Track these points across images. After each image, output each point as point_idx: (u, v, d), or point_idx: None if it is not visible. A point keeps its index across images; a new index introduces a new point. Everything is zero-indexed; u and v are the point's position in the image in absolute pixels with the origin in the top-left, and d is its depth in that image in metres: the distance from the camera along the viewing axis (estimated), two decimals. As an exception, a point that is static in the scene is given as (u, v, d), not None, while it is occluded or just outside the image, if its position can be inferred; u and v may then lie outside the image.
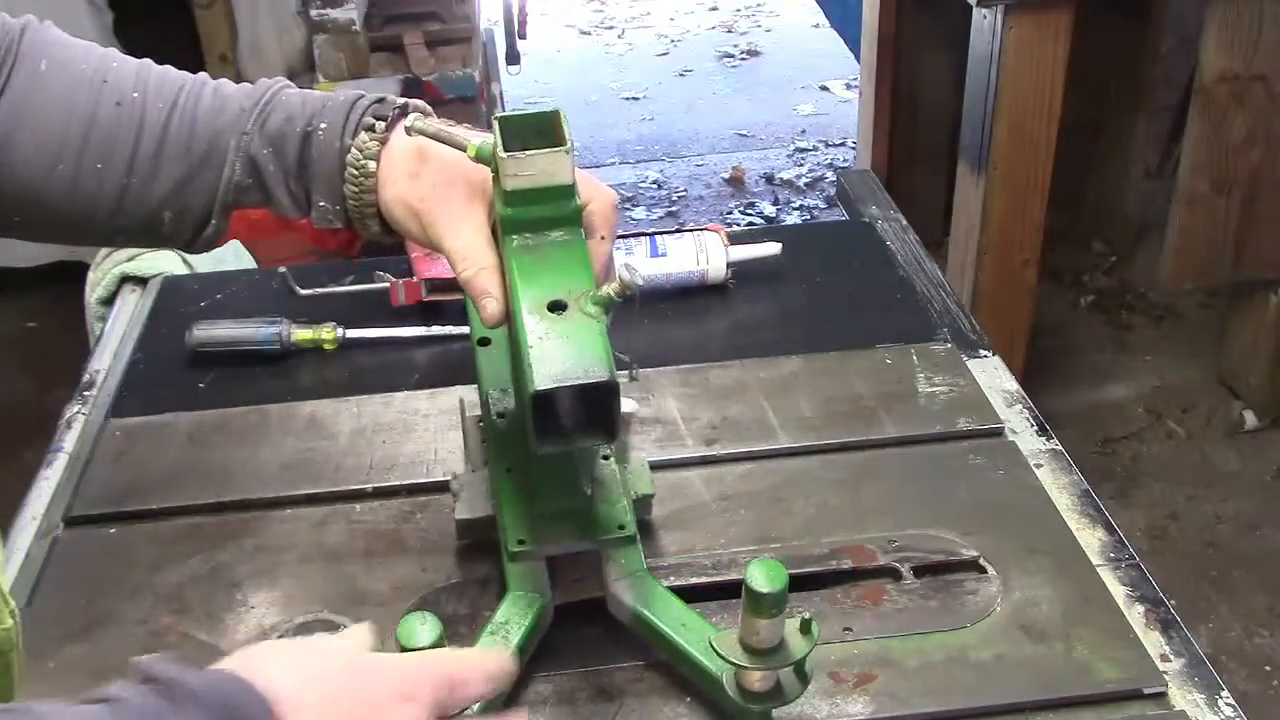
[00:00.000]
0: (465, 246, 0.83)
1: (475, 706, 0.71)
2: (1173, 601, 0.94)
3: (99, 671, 0.88)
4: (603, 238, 0.84)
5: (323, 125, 0.87)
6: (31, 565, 0.99)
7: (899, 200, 1.55)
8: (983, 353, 1.23)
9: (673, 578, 0.94)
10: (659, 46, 5.17)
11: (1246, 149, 2.45)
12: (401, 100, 0.90)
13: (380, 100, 0.90)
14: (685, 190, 3.96)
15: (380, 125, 0.87)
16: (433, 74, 2.49)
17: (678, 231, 1.34)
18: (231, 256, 1.56)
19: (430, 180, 0.86)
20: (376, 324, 1.27)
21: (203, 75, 0.91)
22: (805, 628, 0.76)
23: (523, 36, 3.42)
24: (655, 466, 0.96)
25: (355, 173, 0.87)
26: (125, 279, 1.42)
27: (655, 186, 3.99)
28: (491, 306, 0.81)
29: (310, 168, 0.88)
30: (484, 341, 1.04)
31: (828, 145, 4.23)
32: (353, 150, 0.86)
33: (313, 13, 2.50)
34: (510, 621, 0.84)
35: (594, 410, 0.76)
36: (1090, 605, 0.91)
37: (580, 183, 0.81)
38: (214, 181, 0.88)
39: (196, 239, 0.91)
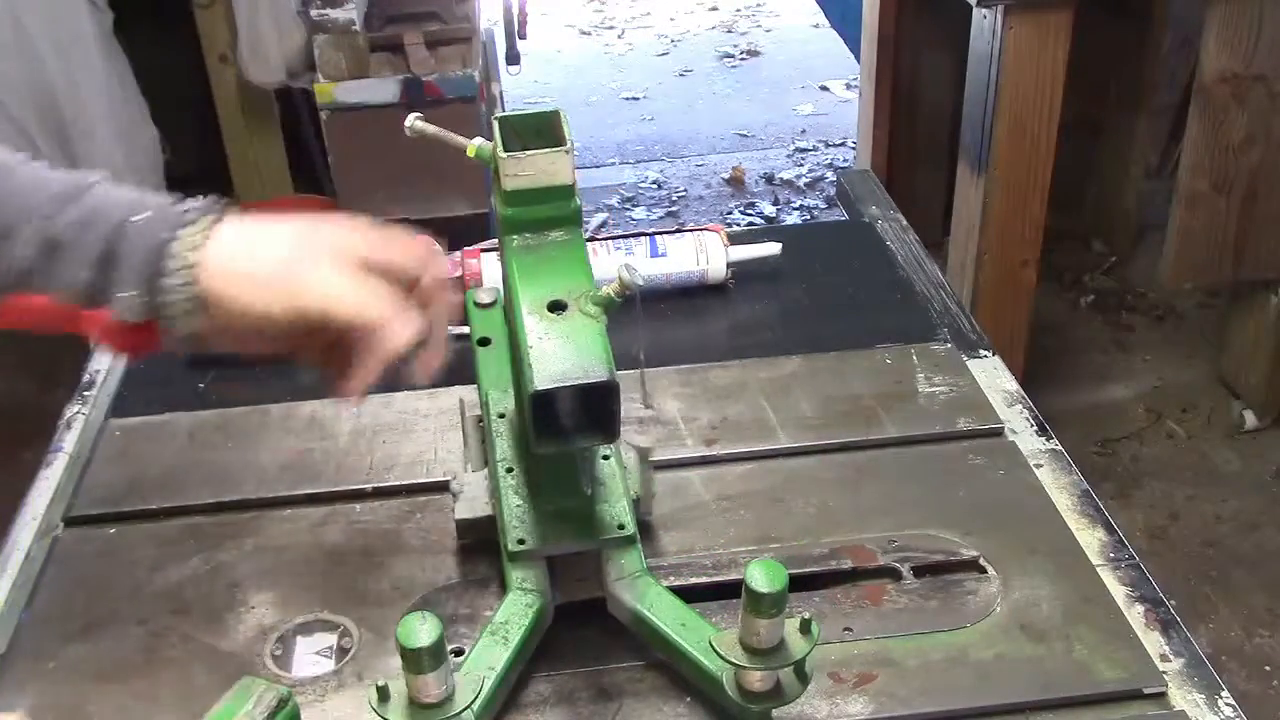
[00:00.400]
0: (342, 293, 0.81)
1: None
2: (1173, 601, 0.94)
3: (99, 671, 0.88)
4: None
5: (140, 217, 0.84)
6: (31, 565, 0.99)
7: (899, 200, 1.55)
8: (983, 353, 1.23)
9: (673, 578, 0.94)
10: (659, 46, 5.17)
11: (1246, 149, 2.45)
12: (219, 206, 0.87)
13: (195, 204, 0.86)
14: (685, 190, 3.96)
15: (204, 221, 0.84)
16: (433, 74, 2.49)
17: (678, 231, 1.34)
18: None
19: (269, 268, 0.83)
20: (376, 324, 1.27)
21: (23, 156, 0.88)
22: (805, 628, 0.76)
23: (523, 36, 3.41)
24: (655, 466, 0.96)
25: (177, 265, 0.82)
26: (125, 279, 1.42)
27: (655, 186, 3.99)
28: (403, 332, 0.81)
29: (119, 256, 0.83)
30: (484, 341, 1.04)
31: (828, 145, 4.23)
32: (177, 241, 0.82)
33: (313, 13, 2.50)
34: (510, 621, 0.84)
35: (594, 410, 0.76)
36: (1090, 605, 0.91)
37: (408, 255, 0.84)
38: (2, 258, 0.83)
39: None
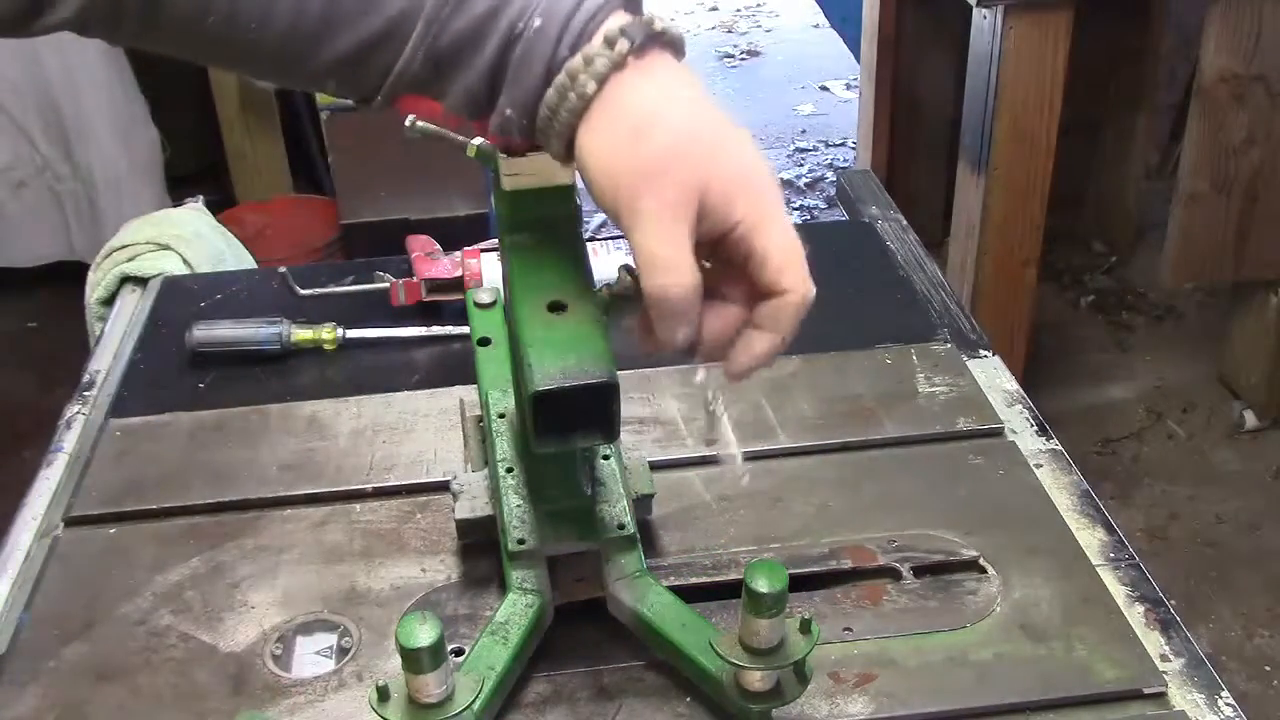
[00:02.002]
0: (671, 254, 0.69)
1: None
2: (1173, 601, 0.94)
3: (99, 671, 0.88)
4: (782, 339, 0.72)
5: (535, 24, 0.71)
6: (31, 565, 0.99)
7: (899, 200, 1.55)
8: (983, 353, 1.23)
9: (673, 578, 0.93)
10: (659, 46, 5.16)
11: (1246, 149, 2.45)
12: (660, 22, 0.70)
13: (626, 4, 0.72)
14: (685, 190, 3.96)
15: (624, 44, 0.69)
16: (433, 74, 2.50)
17: (678, 231, 1.34)
18: (231, 256, 1.56)
19: (654, 152, 0.69)
20: (376, 324, 1.27)
21: None
22: (805, 627, 0.76)
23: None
24: (655, 466, 0.96)
25: (567, 83, 0.70)
26: (125, 279, 1.42)
27: (655, 186, 3.99)
28: (681, 335, 0.70)
29: (505, 71, 0.72)
30: (484, 341, 1.04)
31: (828, 145, 4.23)
32: (576, 58, 0.69)
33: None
34: (510, 621, 0.84)
35: (594, 410, 0.76)
36: (1090, 605, 0.91)
37: (783, 270, 0.71)
38: (386, 67, 0.74)
39: (366, 104, 0.78)
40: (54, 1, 0.72)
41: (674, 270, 0.69)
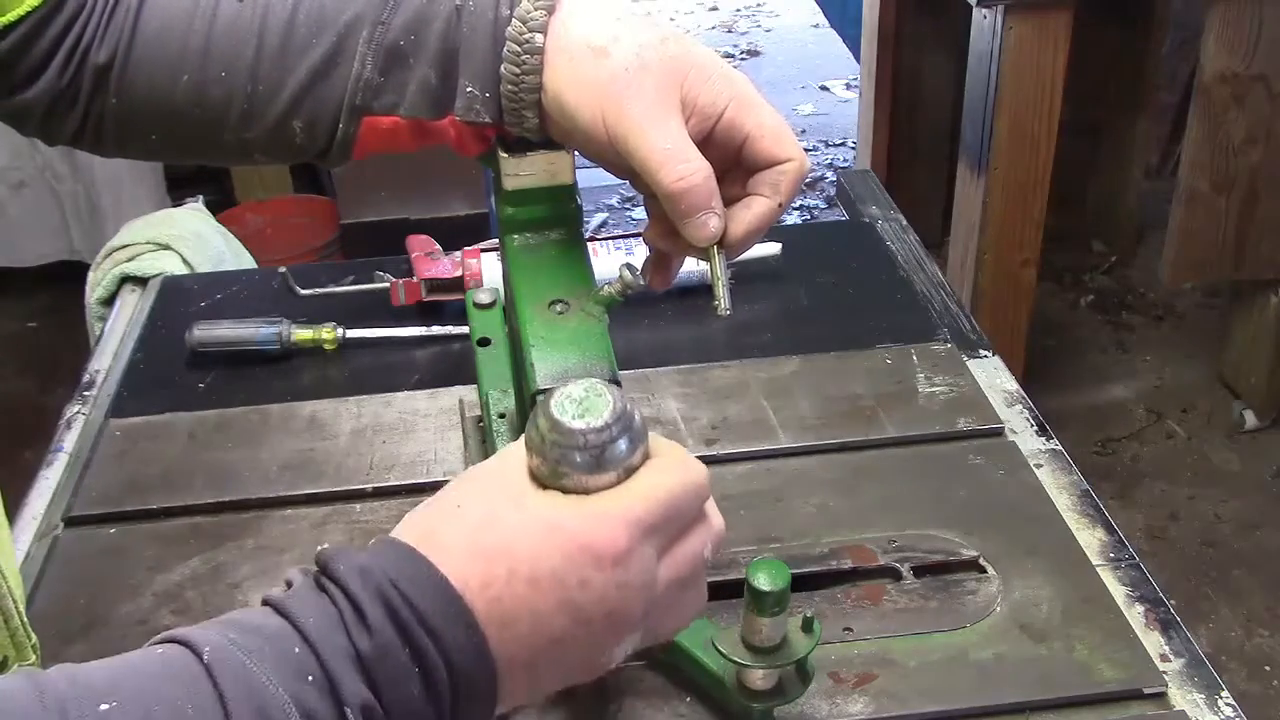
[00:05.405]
0: (675, 145, 0.69)
1: None
2: (1173, 601, 0.94)
3: (99, 671, 0.88)
4: (780, 205, 0.74)
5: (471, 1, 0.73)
6: (31, 565, 0.99)
7: (899, 200, 1.55)
8: (983, 353, 1.23)
9: (673, 578, 0.93)
10: (659, 46, 5.16)
11: (1246, 149, 2.45)
12: None
13: None
14: (685, 190, 3.95)
15: None
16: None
17: (678, 231, 1.34)
18: (231, 256, 1.56)
19: (623, 62, 0.70)
20: (376, 324, 1.27)
21: None
22: (807, 626, 0.76)
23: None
24: (655, 466, 0.96)
25: (517, 49, 0.71)
26: (125, 279, 1.42)
27: (655, 186, 3.98)
28: (714, 224, 0.71)
29: (459, 48, 0.73)
30: (484, 341, 1.04)
31: (828, 145, 4.24)
32: (514, 21, 0.71)
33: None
34: (510, 621, 0.83)
35: (595, 410, 0.75)
36: (1090, 605, 0.91)
37: (779, 139, 0.72)
38: (341, 84, 0.76)
39: (330, 149, 0.80)
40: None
41: (680, 158, 0.69)
